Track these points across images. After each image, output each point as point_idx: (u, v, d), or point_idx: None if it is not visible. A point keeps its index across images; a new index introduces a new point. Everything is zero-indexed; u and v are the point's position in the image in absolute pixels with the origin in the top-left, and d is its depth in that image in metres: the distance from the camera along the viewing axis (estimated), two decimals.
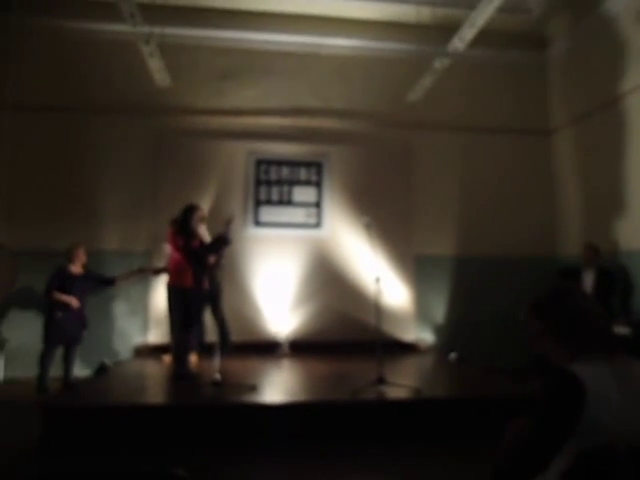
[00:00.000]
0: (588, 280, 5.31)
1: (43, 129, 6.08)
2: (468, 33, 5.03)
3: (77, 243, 5.18)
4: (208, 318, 5.38)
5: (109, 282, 5.39)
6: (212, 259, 4.90)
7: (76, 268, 5.08)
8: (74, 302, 4.90)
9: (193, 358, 5.11)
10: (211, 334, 5.29)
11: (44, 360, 4.86)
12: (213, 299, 5.29)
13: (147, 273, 5.67)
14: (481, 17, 4.77)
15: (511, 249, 6.61)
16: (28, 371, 5.15)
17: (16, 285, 5.63)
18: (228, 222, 4.43)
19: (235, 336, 5.59)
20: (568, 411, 1.25)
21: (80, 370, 5.56)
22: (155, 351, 5.68)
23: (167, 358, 5.24)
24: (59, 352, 5.02)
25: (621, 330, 4.58)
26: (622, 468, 1.21)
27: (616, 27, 5.75)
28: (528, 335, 1.51)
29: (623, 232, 5.61)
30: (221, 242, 4.45)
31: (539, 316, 1.47)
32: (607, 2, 5.79)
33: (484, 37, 5.33)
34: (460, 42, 5.17)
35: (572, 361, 1.36)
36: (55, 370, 4.99)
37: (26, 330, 5.57)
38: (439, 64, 5.57)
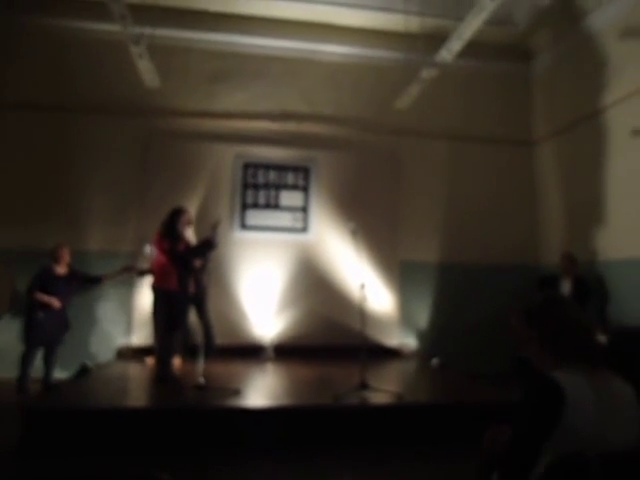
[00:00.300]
0: (565, 289, 5.43)
1: (30, 128, 6.02)
2: (455, 45, 5.12)
3: (61, 243, 5.13)
4: (193, 321, 5.37)
5: (95, 281, 5.35)
6: (198, 262, 4.90)
7: (60, 269, 5.03)
8: (55, 303, 4.84)
9: (177, 361, 5.09)
10: (195, 337, 5.28)
11: (25, 361, 4.80)
12: (199, 302, 5.29)
13: (133, 272, 5.62)
14: (468, 29, 4.86)
15: (494, 257, 6.73)
16: (8, 372, 5.09)
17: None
18: (214, 226, 4.43)
19: (220, 339, 5.58)
20: (548, 415, 1.30)
21: (61, 372, 5.50)
22: (138, 353, 5.65)
23: (150, 361, 5.22)
24: (40, 353, 4.97)
25: (598, 338, 4.68)
26: (593, 476, 1.26)
27: (598, 43, 5.90)
28: (517, 339, 1.56)
29: (602, 242, 5.75)
30: (207, 246, 4.45)
31: (528, 323, 1.52)
32: (589, 19, 5.95)
33: (471, 48, 5.43)
34: (447, 53, 5.26)
35: (554, 369, 1.41)
36: (37, 371, 4.94)
37: (7, 330, 5.50)
38: (426, 74, 5.65)
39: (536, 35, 6.86)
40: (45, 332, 4.86)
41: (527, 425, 1.33)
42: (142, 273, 5.49)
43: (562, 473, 1.28)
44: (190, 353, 5.15)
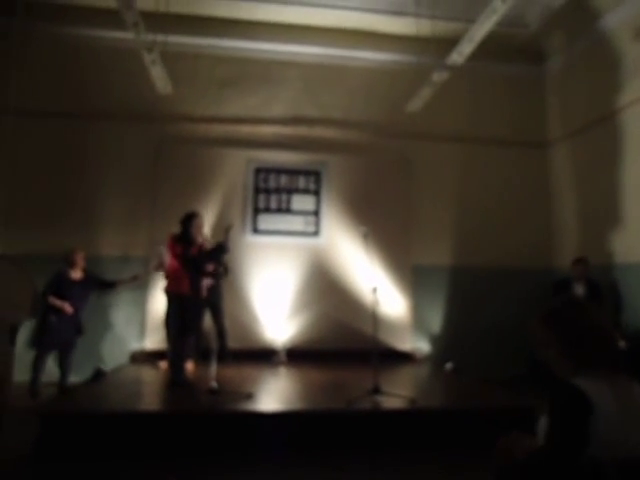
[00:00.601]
0: (578, 293, 5.36)
1: (44, 135, 6.11)
2: (467, 47, 5.10)
3: (76, 248, 5.18)
4: (207, 325, 5.39)
5: (110, 286, 5.40)
6: (211, 267, 4.92)
7: (75, 273, 5.08)
8: (67, 308, 4.88)
9: (190, 365, 5.12)
10: (209, 341, 5.28)
11: (36, 364, 4.85)
12: (214, 306, 5.33)
13: (142, 280, 5.61)
14: (479, 32, 4.84)
15: (508, 260, 6.66)
16: (21, 375, 5.14)
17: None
18: (227, 230, 4.45)
19: (232, 343, 5.60)
20: (581, 426, 1.27)
21: (75, 376, 5.55)
22: (151, 357, 5.68)
23: (163, 365, 5.25)
24: (54, 357, 5.01)
25: (619, 344, 4.60)
26: None
27: (612, 43, 5.84)
28: (535, 343, 1.51)
29: (618, 246, 5.67)
30: (220, 250, 4.47)
31: (549, 327, 1.48)
32: (603, 18, 5.89)
33: (483, 50, 5.40)
34: (459, 56, 5.24)
35: (574, 374, 1.38)
36: (52, 375, 4.99)
37: (22, 334, 5.57)
38: (437, 77, 5.63)
39: (549, 36, 6.81)
40: (58, 336, 4.90)
41: (562, 440, 1.29)
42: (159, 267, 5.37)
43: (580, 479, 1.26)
44: (203, 357, 5.16)
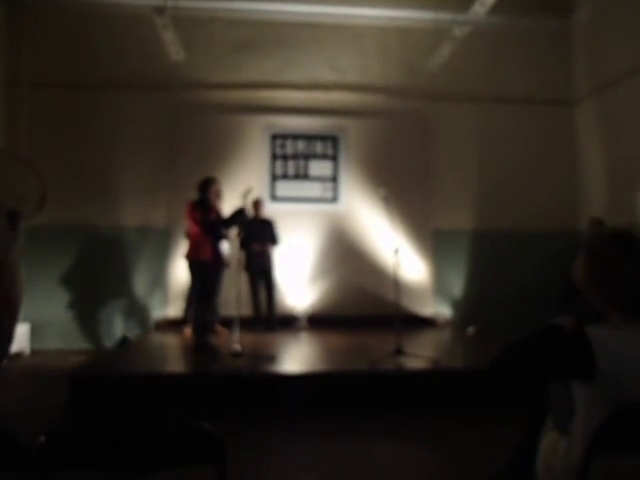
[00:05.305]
0: None
1: (58, 105, 6.09)
2: None
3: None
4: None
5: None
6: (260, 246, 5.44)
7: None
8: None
9: (220, 329, 5.19)
10: (230, 308, 5.28)
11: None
12: (267, 275, 5.60)
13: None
14: None
15: (532, 223, 6.50)
16: (52, 343, 5.28)
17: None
18: (245, 194, 4.42)
19: (253, 310, 5.63)
20: (567, 358, 1.25)
21: (102, 344, 5.69)
22: (175, 325, 5.76)
23: (188, 331, 5.31)
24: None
25: None
26: None
27: None
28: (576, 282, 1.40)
29: None
30: (239, 215, 4.44)
31: (590, 268, 1.33)
32: None
33: (505, 3, 5.15)
34: (481, 7, 4.99)
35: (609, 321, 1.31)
36: (78, 342, 5.09)
37: (50, 303, 5.70)
38: (458, 31, 5.40)
39: None
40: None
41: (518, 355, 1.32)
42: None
43: (620, 427, 1.20)
44: (224, 323, 5.21)
